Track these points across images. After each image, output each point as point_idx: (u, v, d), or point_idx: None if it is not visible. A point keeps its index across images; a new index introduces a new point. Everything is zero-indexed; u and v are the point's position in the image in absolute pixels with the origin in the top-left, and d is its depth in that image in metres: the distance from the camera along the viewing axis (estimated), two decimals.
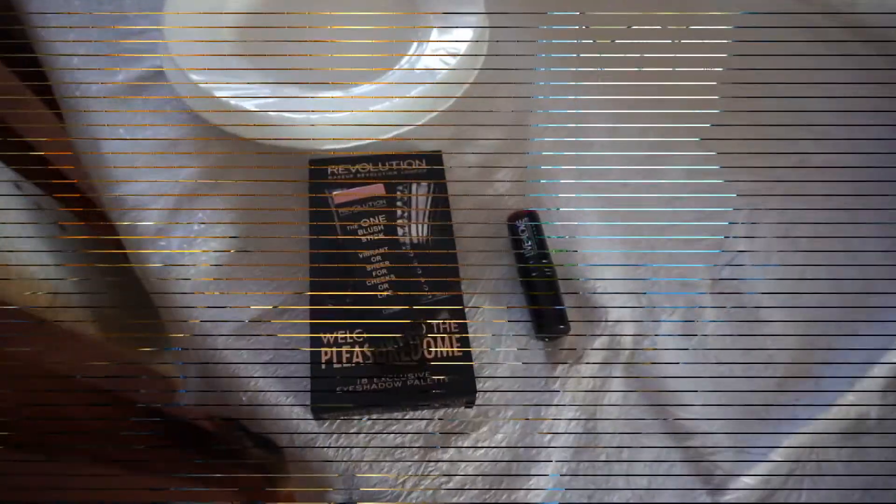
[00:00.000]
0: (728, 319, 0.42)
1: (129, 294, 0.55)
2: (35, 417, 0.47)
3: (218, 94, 0.44)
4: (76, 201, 0.79)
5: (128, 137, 0.47)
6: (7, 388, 0.44)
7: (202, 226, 0.43)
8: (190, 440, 0.67)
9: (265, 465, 0.74)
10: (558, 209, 0.45)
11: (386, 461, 0.37)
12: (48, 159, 0.80)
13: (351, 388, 0.37)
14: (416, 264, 0.40)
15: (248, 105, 0.44)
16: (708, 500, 0.37)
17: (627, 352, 0.41)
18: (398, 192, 0.43)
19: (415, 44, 0.51)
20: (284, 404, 0.38)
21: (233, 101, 0.44)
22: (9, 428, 0.46)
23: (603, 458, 0.38)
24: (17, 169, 0.51)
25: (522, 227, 0.42)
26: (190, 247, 0.42)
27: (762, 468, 0.38)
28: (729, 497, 0.37)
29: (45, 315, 0.47)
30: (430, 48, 0.50)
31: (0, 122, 0.73)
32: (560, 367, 0.40)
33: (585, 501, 0.37)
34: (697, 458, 0.38)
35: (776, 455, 0.38)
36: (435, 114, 0.46)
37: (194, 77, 0.45)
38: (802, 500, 0.37)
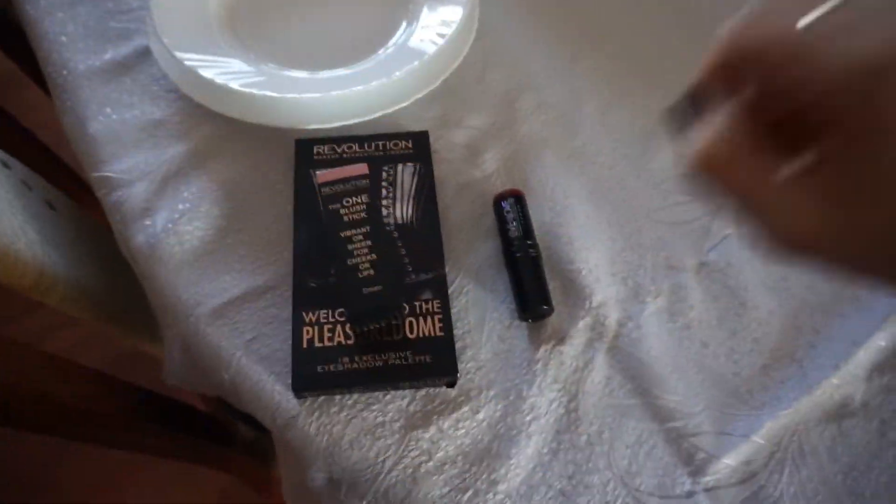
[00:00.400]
0: (714, 303, 0.42)
1: (119, 273, 0.55)
2: (28, 399, 0.47)
3: (203, 72, 0.44)
4: (66, 180, 0.79)
5: (115, 116, 0.46)
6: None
7: (187, 205, 0.43)
8: (182, 420, 0.67)
9: (256, 445, 0.75)
10: (545, 191, 0.45)
11: (366, 440, 0.37)
12: (37, 137, 0.80)
13: (332, 367, 0.37)
14: (399, 244, 0.40)
15: (234, 84, 0.44)
16: (689, 482, 0.37)
17: (611, 334, 0.41)
18: (384, 173, 0.43)
19: (404, 23, 0.51)
20: (266, 383, 0.38)
21: (218, 81, 0.43)
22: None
23: (584, 438, 0.38)
24: (4, 145, 0.51)
25: (508, 208, 0.42)
26: (175, 226, 0.42)
27: (744, 450, 0.38)
28: (710, 478, 0.37)
29: (32, 294, 0.47)
30: (419, 27, 0.49)
31: None
32: (543, 348, 0.40)
33: (565, 482, 0.37)
34: (679, 439, 0.38)
35: (758, 437, 0.38)
36: (423, 94, 0.46)
37: (180, 56, 0.44)
38: (784, 482, 0.37)
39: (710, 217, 0.45)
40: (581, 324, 0.40)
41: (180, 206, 0.43)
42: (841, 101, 0.20)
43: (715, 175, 0.22)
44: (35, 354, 0.49)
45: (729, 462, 0.38)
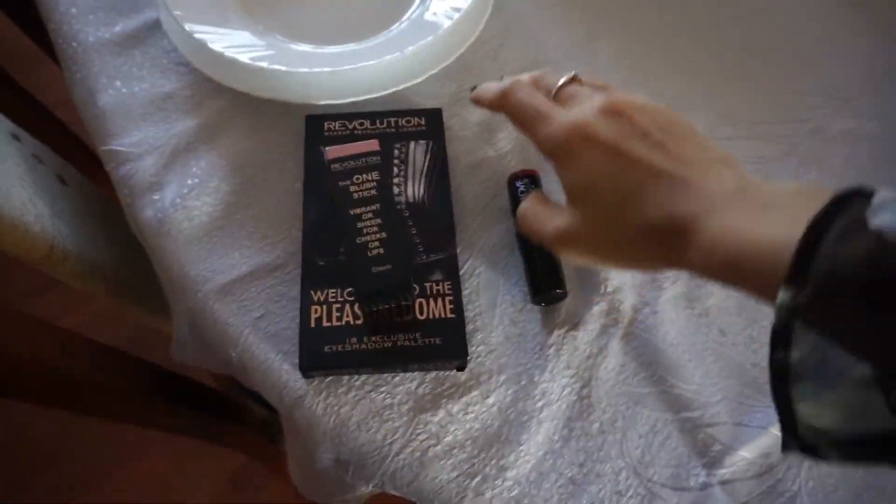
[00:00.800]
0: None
1: (132, 249, 0.55)
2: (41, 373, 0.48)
3: (213, 46, 0.43)
4: (81, 157, 0.79)
5: (124, 89, 0.46)
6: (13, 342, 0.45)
7: (196, 180, 0.42)
8: (193, 397, 0.67)
9: (267, 423, 0.75)
10: None
11: (374, 421, 0.36)
12: (52, 113, 0.80)
13: (340, 347, 0.36)
14: (410, 224, 0.39)
15: (244, 58, 0.43)
16: (703, 473, 0.36)
17: (627, 320, 0.39)
18: (396, 150, 0.42)
19: None
20: (273, 361, 0.37)
21: (228, 54, 0.42)
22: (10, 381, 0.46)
23: (596, 426, 0.37)
24: (20, 121, 0.51)
25: (522, 188, 0.41)
26: (183, 201, 0.41)
27: (762, 442, 0.37)
28: (726, 471, 0.36)
29: (44, 267, 0.47)
30: (434, 1, 0.48)
31: None
32: (556, 332, 0.39)
33: (576, 470, 0.36)
34: (695, 430, 0.37)
35: (777, 429, 0.37)
36: (437, 70, 0.44)
37: (190, 28, 0.43)
38: (802, 476, 0.36)
39: None
40: (595, 309, 0.39)
41: (189, 181, 0.42)
42: (550, 151, 0.32)
43: (525, 229, 0.35)
44: (48, 329, 0.49)
45: (746, 454, 0.37)
